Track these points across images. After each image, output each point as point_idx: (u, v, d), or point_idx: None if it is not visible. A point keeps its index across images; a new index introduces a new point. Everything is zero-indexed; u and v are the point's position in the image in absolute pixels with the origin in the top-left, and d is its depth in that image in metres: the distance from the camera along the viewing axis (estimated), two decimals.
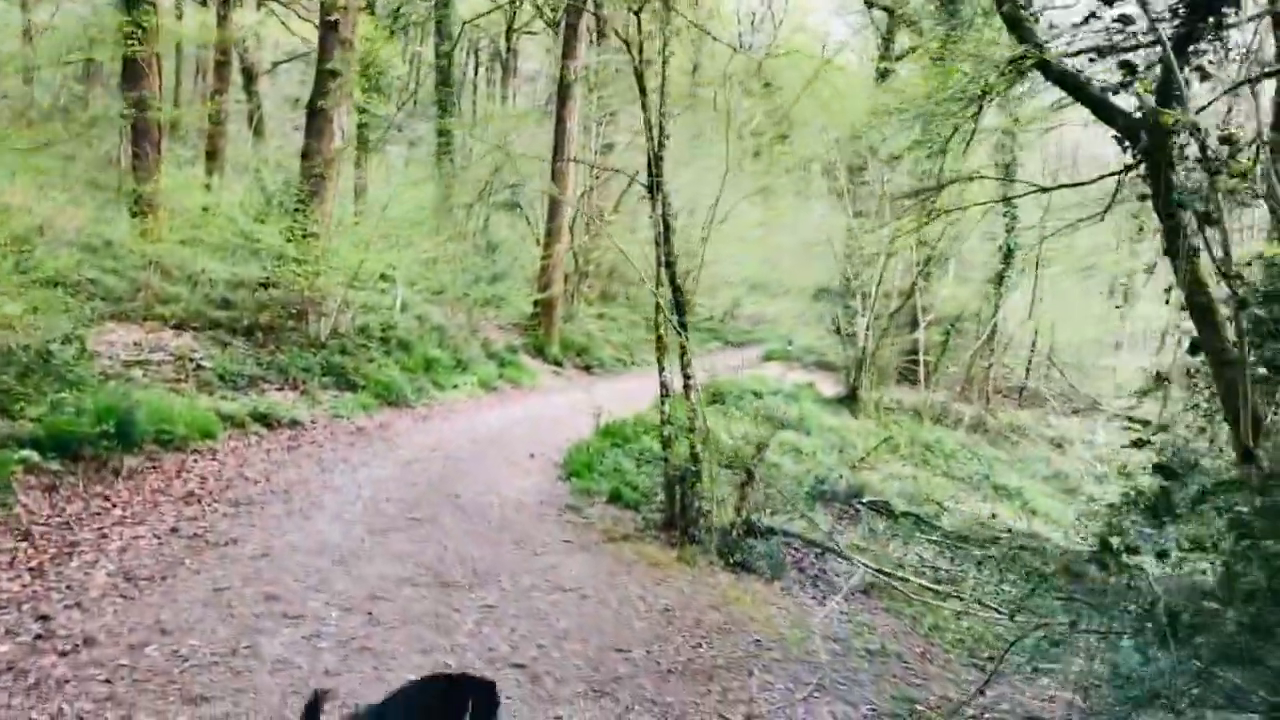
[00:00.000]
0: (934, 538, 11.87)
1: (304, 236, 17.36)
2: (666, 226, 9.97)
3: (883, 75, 30.56)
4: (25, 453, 9.41)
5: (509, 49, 45.18)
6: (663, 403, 10.10)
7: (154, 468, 10.38)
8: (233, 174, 27.35)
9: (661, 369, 10.21)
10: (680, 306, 10.09)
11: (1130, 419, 19.90)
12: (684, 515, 9.58)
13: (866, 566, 8.93)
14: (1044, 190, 11.70)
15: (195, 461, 10.94)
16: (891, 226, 19.52)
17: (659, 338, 10.24)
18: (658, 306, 10.20)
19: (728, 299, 35.01)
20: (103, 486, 9.20)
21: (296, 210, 18.06)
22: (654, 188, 10.09)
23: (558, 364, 22.20)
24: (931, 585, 8.70)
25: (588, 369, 22.95)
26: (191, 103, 35.27)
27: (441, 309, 20.89)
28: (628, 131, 27.44)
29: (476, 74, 47.32)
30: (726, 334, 32.74)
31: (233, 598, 6.78)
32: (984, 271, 23.10)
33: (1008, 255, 21.19)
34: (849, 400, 19.58)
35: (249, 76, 32.67)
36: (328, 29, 19.18)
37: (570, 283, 23.80)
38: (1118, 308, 28.71)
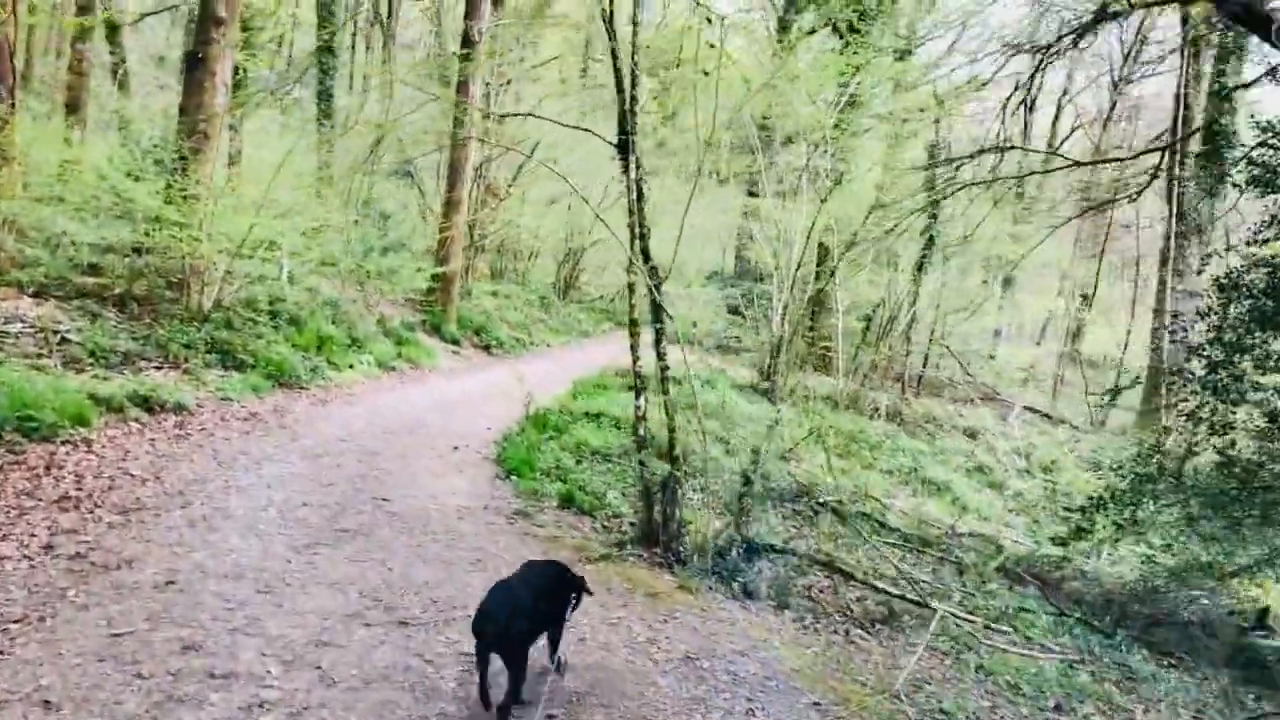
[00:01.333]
0: (890, 540, 10.79)
1: (184, 198, 15.32)
2: (640, 193, 8.54)
3: (781, 53, 29.55)
4: None
5: (390, 13, 42.75)
6: (637, 396, 8.69)
7: (17, 463, 8.51)
8: (96, 130, 24.67)
9: (635, 357, 8.81)
10: (657, 287, 8.69)
11: (1043, 413, 19.19)
12: (665, 529, 8.20)
13: (908, 600, 7.64)
14: (1077, 165, 10.69)
15: (67, 455, 9.09)
16: (810, 210, 18.50)
17: (633, 321, 8.85)
18: (631, 287, 8.80)
19: (617, 279, 33.63)
20: None
21: (176, 169, 15.97)
22: (626, 147, 8.64)
23: (455, 343, 20.51)
24: (968, 616, 7.50)
25: (487, 349, 21.31)
26: (47, 52, 32.13)
27: (332, 282, 18.98)
28: (527, 101, 25.78)
29: (354, 39, 44.69)
30: (618, 315, 31.36)
31: (137, 648, 5.15)
32: (904, 260, 22.31)
33: (929, 244, 20.41)
34: (764, 387, 18.48)
35: (113, 27, 29.70)
36: None
37: (465, 258, 22.06)
38: (1001, 296, 28.51)
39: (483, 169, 23.34)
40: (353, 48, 44.53)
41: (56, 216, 16.78)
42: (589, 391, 15.61)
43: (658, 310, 8.63)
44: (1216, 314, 11.00)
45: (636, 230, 8.66)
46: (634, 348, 8.83)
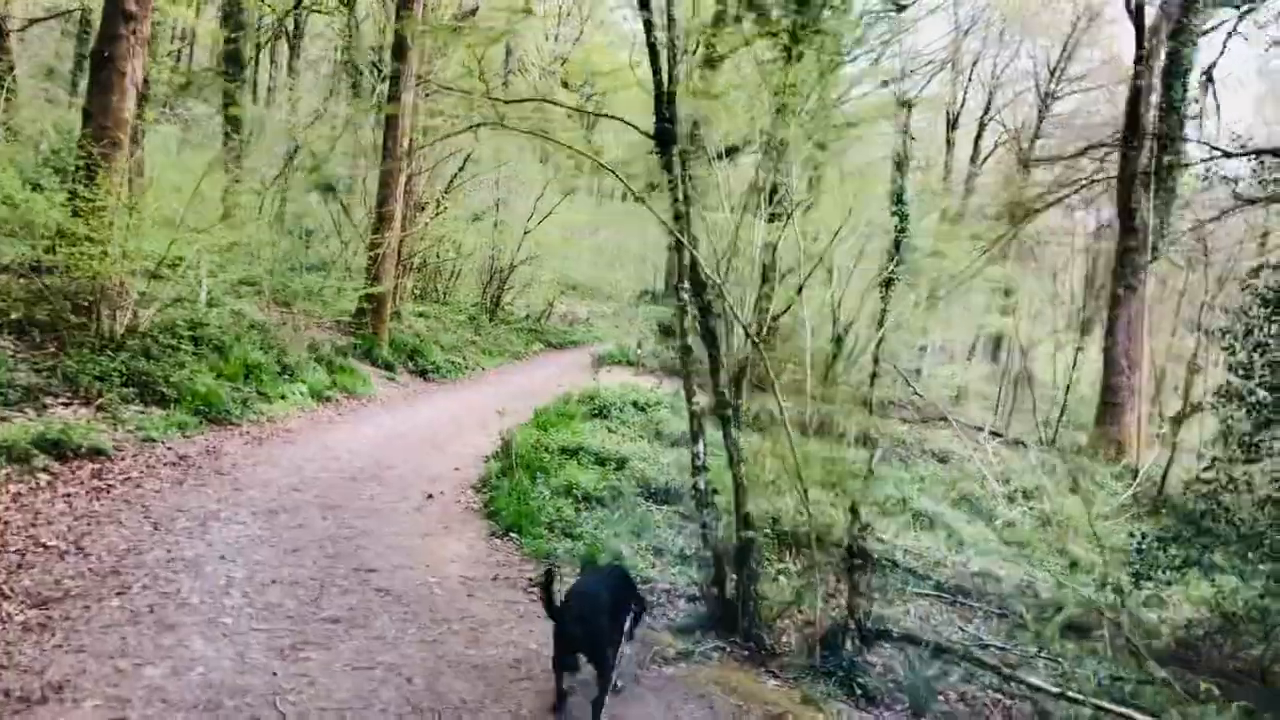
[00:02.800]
0: (925, 590, 9.39)
1: (93, 210, 13.22)
2: (686, 196, 6.97)
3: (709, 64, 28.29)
4: None
5: (296, 28, 40.36)
6: (695, 440, 7.11)
7: None
8: None
9: (691, 394, 7.24)
10: (707, 308, 7.13)
11: (996, 433, 17.90)
12: (744, 611, 6.58)
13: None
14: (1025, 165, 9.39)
15: None
16: (770, 226, 17.12)
17: (685, 349, 7.28)
18: (682, 309, 7.22)
19: (541, 298, 31.88)
20: None
21: (81, 179, 13.83)
22: (667, 139, 7.05)
23: (389, 368, 18.55)
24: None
25: (423, 374, 19.37)
26: None
27: (253, 305, 16.92)
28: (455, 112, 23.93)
29: (259, 53, 42.11)
30: (547, 334, 29.62)
31: None
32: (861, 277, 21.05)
33: (896, 255, 19.18)
34: (725, 413, 16.90)
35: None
36: None
37: (395, 277, 20.12)
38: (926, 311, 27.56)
39: (411, 182, 21.44)
40: (256, 61, 42.03)
41: None
42: (554, 422, 13.90)
43: (711, 337, 7.08)
44: (1260, 328, 9.93)
45: (683, 240, 7.07)
46: (686, 380, 7.25)
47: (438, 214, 22.69)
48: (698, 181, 21.15)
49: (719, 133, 21.16)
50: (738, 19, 26.85)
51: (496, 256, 29.02)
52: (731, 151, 24.43)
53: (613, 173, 9.06)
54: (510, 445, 10.75)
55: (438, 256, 25.99)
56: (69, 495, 8.27)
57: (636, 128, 7.65)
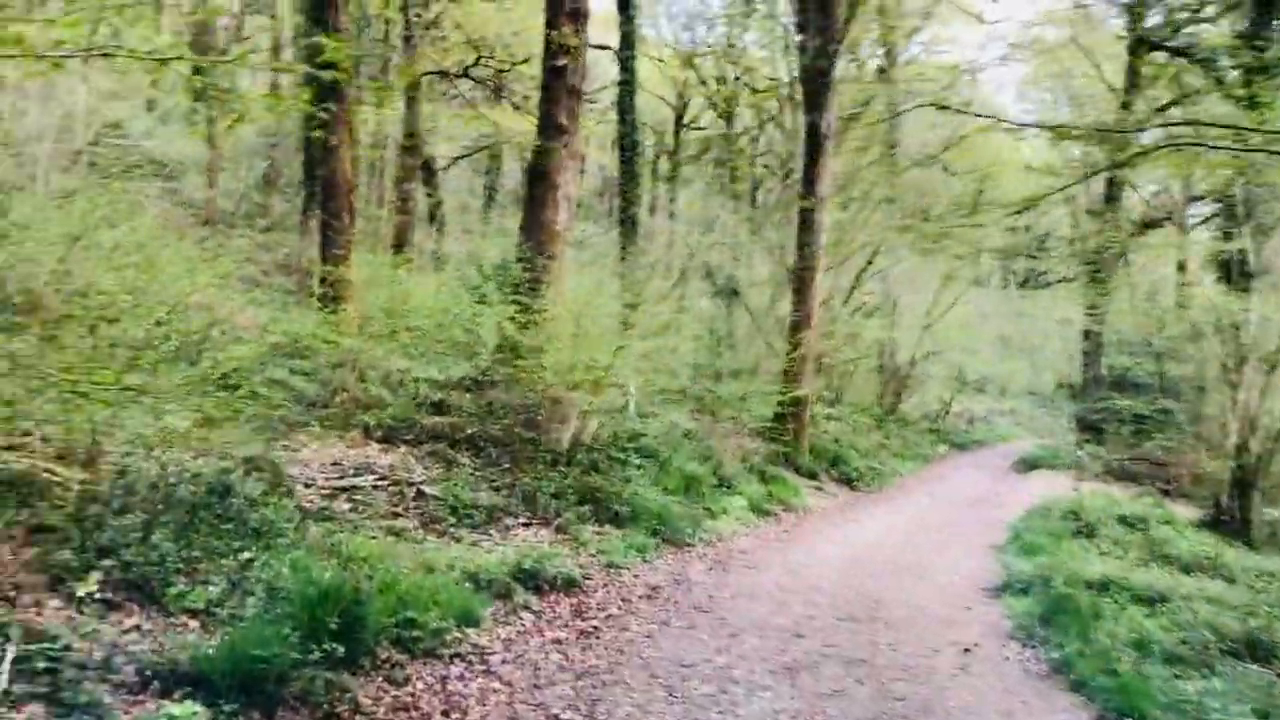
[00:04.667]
0: None
1: (535, 324, 12.62)
2: None
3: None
4: (176, 709, 4.50)
5: (676, 145, 40.99)
6: None
7: (405, 704, 5.37)
8: (419, 270, 23.04)
9: None
10: None
11: None
12: None
13: None
14: None
15: (461, 680, 5.92)
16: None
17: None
18: None
19: (936, 396, 29.31)
20: None
21: (521, 293, 13.35)
22: None
23: (812, 476, 16.87)
24: None
25: (848, 483, 17.53)
26: (368, 200, 31.46)
27: (679, 413, 15.82)
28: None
29: (654, 165, 43.04)
30: (949, 435, 27.01)
31: None
32: None
33: None
34: (1231, 526, 13.70)
35: (429, 170, 28.66)
36: (554, 76, 14.65)
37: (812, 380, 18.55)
38: None
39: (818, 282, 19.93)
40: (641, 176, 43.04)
41: (393, 352, 14.56)
42: (1042, 544, 11.49)
43: None
44: None
45: None
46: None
47: (854, 312, 21.03)
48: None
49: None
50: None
51: (893, 354, 26.90)
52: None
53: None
54: (1048, 580, 8.49)
55: (840, 357, 24.25)
56: (559, 642, 7.00)
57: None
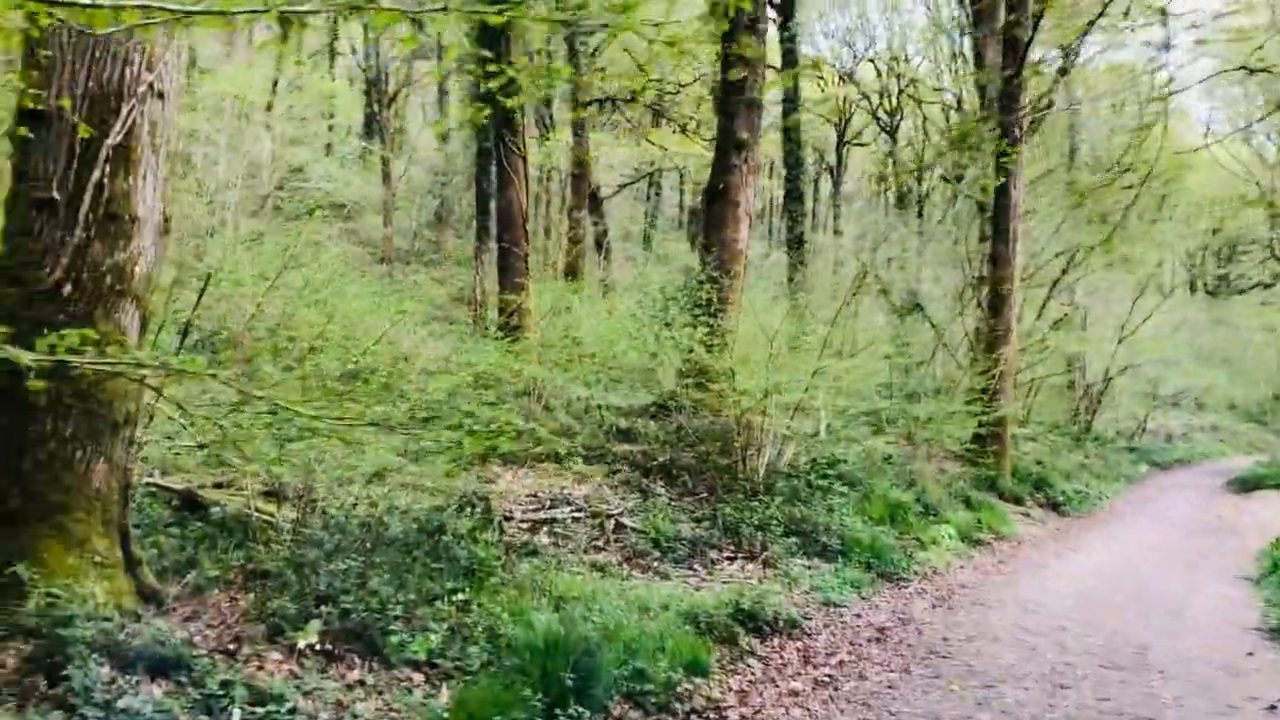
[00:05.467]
0: None
1: (716, 347, 11.99)
2: None
3: None
4: None
5: (839, 161, 39.90)
6: None
7: None
8: (591, 294, 22.79)
9: None
10: None
11: None
12: None
13: None
14: None
15: None
16: None
17: None
18: None
19: (1129, 413, 27.24)
20: None
21: (706, 314, 12.74)
22: None
23: (1017, 500, 15.58)
24: None
25: (1055, 507, 16.15)
26: (535, 230, 31.59)
27: (874, 436, 14.84)
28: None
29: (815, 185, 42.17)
30: (1148, 453, 25.01)
31: None
32: None
33: None
34: None
35: (594, 199, 28.49)
36: (730, 91, 14.05)
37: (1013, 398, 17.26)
38: None
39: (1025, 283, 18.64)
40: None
41: (574, 382, 14.17)
42: None
43: None
44: None
45: None
46: None
47: (1056, 325, 19.62)
48: None
49: None
50: None
51: (1084, 369, 25.10)
52: None
53: None
54: None
55: (1033, 374, 22.71)
56: (796, 694, 6.26)
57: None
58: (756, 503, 10.50)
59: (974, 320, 18.59)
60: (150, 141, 4.79)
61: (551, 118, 26.80)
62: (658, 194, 38.91)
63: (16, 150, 4.59)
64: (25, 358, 3.30)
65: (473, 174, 24.92)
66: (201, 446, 7.48)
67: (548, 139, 25.09)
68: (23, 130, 4.36)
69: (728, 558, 9.59)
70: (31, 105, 4.37)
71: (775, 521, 10.15)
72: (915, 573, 10.37)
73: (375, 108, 30.81)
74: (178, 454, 6.85)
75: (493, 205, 24.31)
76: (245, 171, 23.21)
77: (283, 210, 23.92)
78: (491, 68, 3.95)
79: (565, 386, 13.88)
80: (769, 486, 11.03)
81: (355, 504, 6.22)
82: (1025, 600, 9.54)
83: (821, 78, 35.14)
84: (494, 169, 20.55)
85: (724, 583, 8.68)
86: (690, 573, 8.99)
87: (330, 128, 31.13)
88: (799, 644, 7.44)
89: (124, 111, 4.63)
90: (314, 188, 26.95)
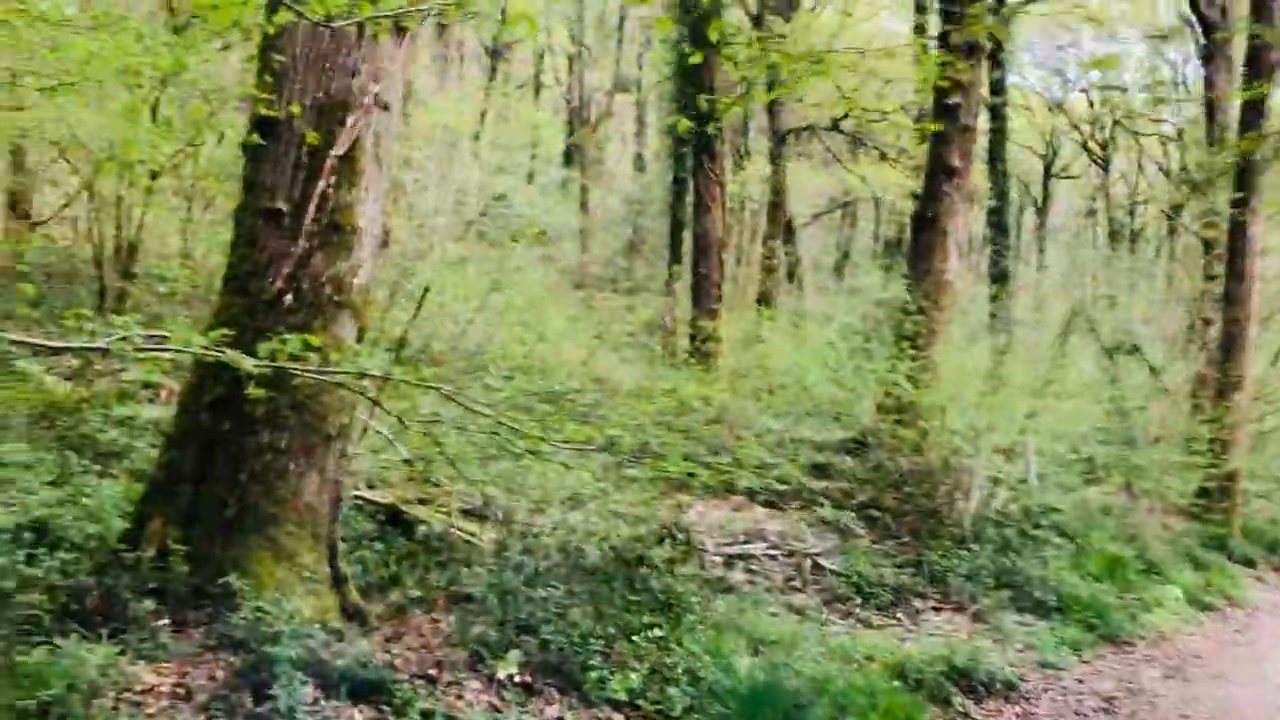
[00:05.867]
0: None
1: (922, 383, 11.34)
2: None
3: None
4: None
5: (1044, 194, 37.99)
6: None
7: None
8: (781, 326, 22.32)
9: None
10: None
11: None
12: None
13: None
14: None
15: None
16: None
17: None
18: None
19: None
20: None
21: (912, 348, 12.09)
22: None
23: (1248, 563, 14.07)
24: None
25: None
26: (726, 259, 31.21)
27: (1086, 485, 13.75)
28: None
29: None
30: None
31: None
32: None
33: None
34: None
35: (788, 228, 28.04)
36: (945, 114, 13.36)
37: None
38: None
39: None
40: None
41: (764, 414, 13.79)
42: None
43: None
44: None
45: None
46: None
47: None
48: None
49: None
50: None
51: None
52: None
53: None
54: None
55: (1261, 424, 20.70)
56: None
57: None
58: (965, 551, 9.80)
59: (1197, 364, 17.13)
60: (374, 153, 4.74)
61: (746, 148, 26.62)
62: (852, 225, 38.06)
63: (248, 162, 4.61)
64: (247, 363, 3.20)
65: (668, 202, 25.01)
66: (408, 462, 7.49)
67: (742, 168, 24.87)
68: (255, 138, 4.36)
69: (933, 608, 8.95)
70: (266, 112, 4.38)
71: (985, 572, 9.43)
72: (1140, 636, 9.41)
73: (576, 138, 31.43)
74: (386, 468, 6.84)
75: (686, 233, 24.28)
76: (453, 199, 23.99)
77: (485, 236, 24.58)
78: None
79: (757, 417, 13.52)
80: (977, 534, 10.28)
81: (555, 528, 6.01)
82: (1276, 677, 8.48)
83: (1029, 108, 33.70)
84: (690, 197, 20.49)
85: (930, 635, 8.08)
86: (894, 622, 8.42)
87: (533, 156, 31.96)
88: (1017, 708, 6.79)
89: (349, 122, 4.59)
90: (515, 214, 27.61)
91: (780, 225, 22.75)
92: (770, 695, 4.77)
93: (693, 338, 16.88)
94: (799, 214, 30.78)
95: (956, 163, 13.34)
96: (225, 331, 3.42)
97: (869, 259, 39.65)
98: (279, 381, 4.18)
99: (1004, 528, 10.58)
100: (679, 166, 23.87)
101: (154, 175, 12.81)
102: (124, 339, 3.09)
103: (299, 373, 3.44)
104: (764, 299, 21.51)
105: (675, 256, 24.00)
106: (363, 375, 3.67)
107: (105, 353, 3.14)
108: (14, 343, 2.95)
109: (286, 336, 3.46)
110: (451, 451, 4.77)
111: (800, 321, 22.97)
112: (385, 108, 4.74)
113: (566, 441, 3.75)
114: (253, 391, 3.47)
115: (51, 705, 3.12)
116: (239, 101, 10.13)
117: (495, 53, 29.62)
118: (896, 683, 6.30)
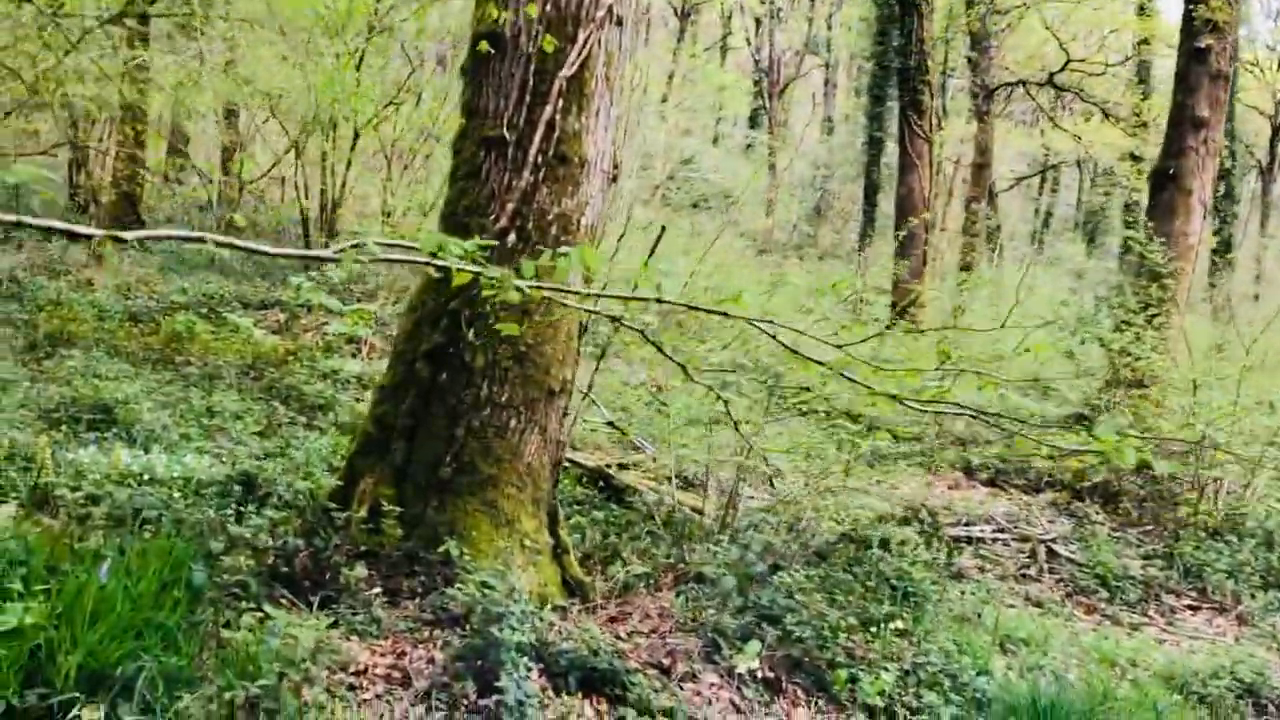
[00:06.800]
0: None
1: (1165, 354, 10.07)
2: None
3: None
4: None
5: (1271, 158, 34.39)
6: None
7: None
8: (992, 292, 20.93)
9: None
10: None
11: None
12: None
13: None
14: None
15: None
16: None
17: None
18: None
19: None
20: None
21: (1142, 318, 10.79)
22: None
23: None
24: None
25: None
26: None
27: None
28: None
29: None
30: None
31: None
32: None
33: None
34: None
35: (990, 192, 26.32)
36: (1194, 59, 11.87)
37: None
38: None
39: None
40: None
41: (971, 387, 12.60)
42: None
43: None
44: None
45: None
46: None
47: None
48: None
49: None
50: None
51: None
52: None
53: None
54: None
55: None
56: None
57: None
58: (1222, 544, 8.58)
59: None
60: (605, 74, 4.15)
61: (945, 107, 25.05)
62: (1054, 190, 35.60)
63: (468, 84, 4.08)
64: (510, 282, 2.62)
65: (863, 163, 23.82)
66: (611, 424, 6.97)
67: (942, 128, 23.39)
68: (483, 46, 3.82)
69: (1188, 606, 7.83)
70: (490, 26, 3.83)
71: (1249, 568, 8.20)
72: None
73: (764, 100, 30.40)
74: (593, 430, 6.34)
75: (880, 197, 23.01)
76: (640, 162, 23.55)
77: (670, 201, 24.04)
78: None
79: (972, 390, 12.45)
80: (1234, 525, 9.01)
81: (786, 501, 5.33)
82: None
83: (1256, 64, 30.62)
84: (884, 159, 19.28)
85: (1190, 638, 7.02)
86: (1145, 620, 7.37)
87: (718, 120, 31.21)
88: None
89: (580, 38, 3.99)
90: (701, 178, 26.96)
91: (984, 188, 21.21)
92: (1058, 714, 3.98)
93: (893, 305, 15.81)
94: (1000, 178, 29.00)
95: (1205, 113, 11.83)
96: (473, 247, 2.79)
97: (1071, 229, 37.09)
98: (497, 331, 3.65)
99: (1267, 519, 9.26)
100: (875, 126, 22.65)
101: (356, 135, 12.83)
102: (357, 246, 2.60)
103: (564, 297, 2.86)
104: (965, 265, 20.13)
105: (870, 220, 22.84)
106: (659, 300, 3.05)
107: (336, 262, 2.65)
108: (252, 251, 2.50)
109: (520, 264, 2.87)
110: (721, 410, 4.14)
111: (1008, 290, 21.47)
112: (619, 23, 4.14)
113: (932, 400, 3.06)
114: (469, 342, 2.93)
115: (261, 699, 2.69)
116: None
117: (684, 14, 28.93)
118: (1176, 696, 5.37)
